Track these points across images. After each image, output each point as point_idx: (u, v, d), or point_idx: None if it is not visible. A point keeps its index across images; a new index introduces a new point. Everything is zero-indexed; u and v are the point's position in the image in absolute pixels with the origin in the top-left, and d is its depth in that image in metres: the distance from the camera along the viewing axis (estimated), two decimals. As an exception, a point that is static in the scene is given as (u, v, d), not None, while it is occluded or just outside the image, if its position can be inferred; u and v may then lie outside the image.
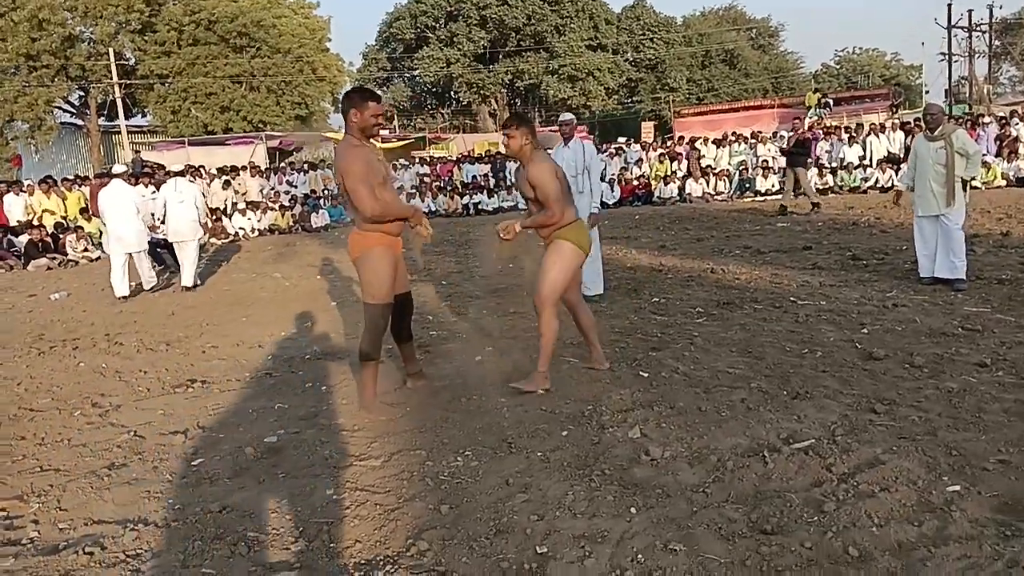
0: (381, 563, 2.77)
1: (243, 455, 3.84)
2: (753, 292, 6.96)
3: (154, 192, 11.02)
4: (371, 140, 4.34)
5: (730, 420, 3.80)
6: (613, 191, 18.54)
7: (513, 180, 20.28)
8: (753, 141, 19.83)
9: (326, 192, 18.62)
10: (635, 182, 19.23)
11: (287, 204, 17.61)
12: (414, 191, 18.67)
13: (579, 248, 4.43)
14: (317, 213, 17.40)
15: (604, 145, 24.61)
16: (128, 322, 7.79)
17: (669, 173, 19.17)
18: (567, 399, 4.28)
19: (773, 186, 17.52)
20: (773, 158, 18.21)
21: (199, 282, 9.87)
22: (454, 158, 24.05)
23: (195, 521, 3.17)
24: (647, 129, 31.74)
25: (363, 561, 2.80)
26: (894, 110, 22.64)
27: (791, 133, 14.29)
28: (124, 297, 9.24)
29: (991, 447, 3.31)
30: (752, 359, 4.85)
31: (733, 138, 20.57)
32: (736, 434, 3.62)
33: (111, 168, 11.23)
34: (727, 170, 19.09)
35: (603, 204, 17.90)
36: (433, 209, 17.94)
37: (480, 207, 18.73)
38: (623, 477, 3.27)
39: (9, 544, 3.12)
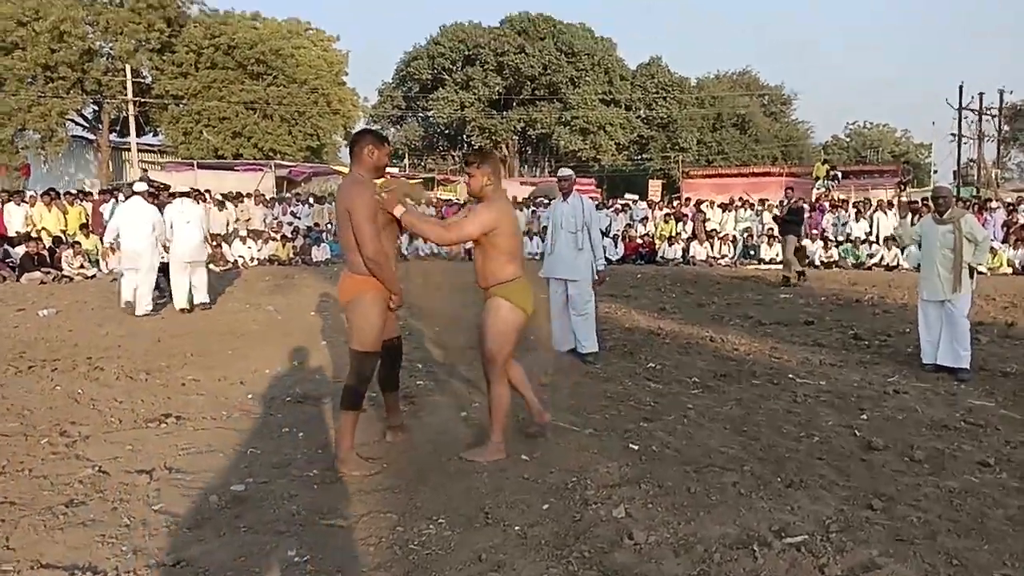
0: (336, 641, 2.58)
1: (207, 503, 3.65)
2: (752, 365, 6.80)
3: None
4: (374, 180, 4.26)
5: (720, 505, 3.62)
6: (616, 247, 18.50)
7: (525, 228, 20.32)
8: (760, 208, 19.85)
9: (329, 226, 18.56)
10: (639, 240, 19.22)
11: (289, 235, 17.54)
12: (417, 231, 18.60)
13: (518, 308, 4.17)
14: (319, 246, 17.34)
15: (611, 200, 24.66)
16: (112, 346, 7.62)
17: (674, 234, 19.15)
18: (551, 468, 4.11)
19: (777, 255, 17.43)
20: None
21: (190, 308, 9.80)
22: (460, 201, 24.05)
23: (146, 574, 2.98)
24: (655, 187, 31.82)
25: (317, 637, 2.61)
26: (902, 187, 22.70)
27: (786, 201, 14.21)
28: (128, 303, 9.48)
29: (994, 559, 3.12)
30: (746, 439, 4.68)
31: (739, 203, 20.60)
32: (725, 522, 3.44)
33: (132, 184, 11.41)
34: (732, 235, 19.07)
35: (606, 260, 17.95)
36: (435, 251, 17.84)
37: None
38: (603, 562, 3.09)
39: (-54, 585, 2.93)
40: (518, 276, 4.18)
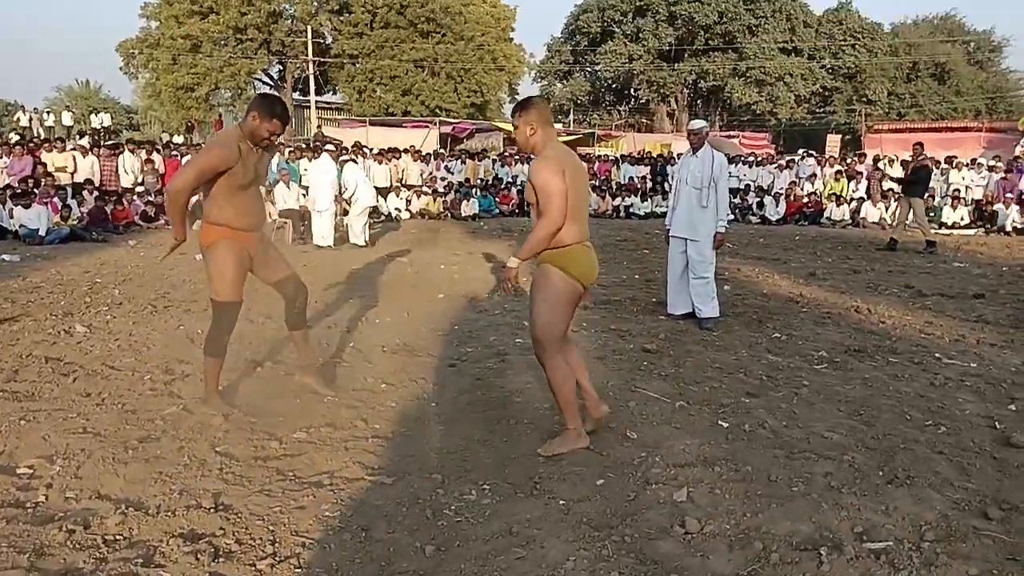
0: (334, 605, 2.47)
1: (267, 448, 3.68)
2: (894, 341, 6.06)
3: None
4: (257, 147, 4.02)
5: (799, 498, 3.19)
6: (778, 207, 17.36)
7: (671, 182, 19.56)
8: (946, 166, 17.85)
9: (479, 181, 18.67)
10: (805, 199, 17.89)
11: (441, 190, 17.80)
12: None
13: (569, 276, 3.51)
14: (467, 201, 17.48)
15: (782, 156, 23.11)
16: (249, 290, 7.95)
17: (844, 193, 17.66)
18: (625, 441, 3.81)
19: (962, 219, 15.70)
20: (967, 187, 16.29)
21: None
22: (615, 157, 23.48)
23: (182, 514, 3.02)
24: (833, 142, 29.52)
25: (318, 598, 2.51)
26: None
27: (912, 161, 12.59)
28: (329, 247, 11.56)
29: None
30: (860, 423, 4.13)
31: (924, 161, 18.60)
32: (800, 518, 3.01)
33: (324, 144, 14.08)
34: (911, 196, 17.28)
35: (765, 220, 16.86)
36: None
37: (631, 211, 18.09)
38: (643, 549, 2.78)
39: (14, 505, 3.09)
40: (577, 240, 3.52)
